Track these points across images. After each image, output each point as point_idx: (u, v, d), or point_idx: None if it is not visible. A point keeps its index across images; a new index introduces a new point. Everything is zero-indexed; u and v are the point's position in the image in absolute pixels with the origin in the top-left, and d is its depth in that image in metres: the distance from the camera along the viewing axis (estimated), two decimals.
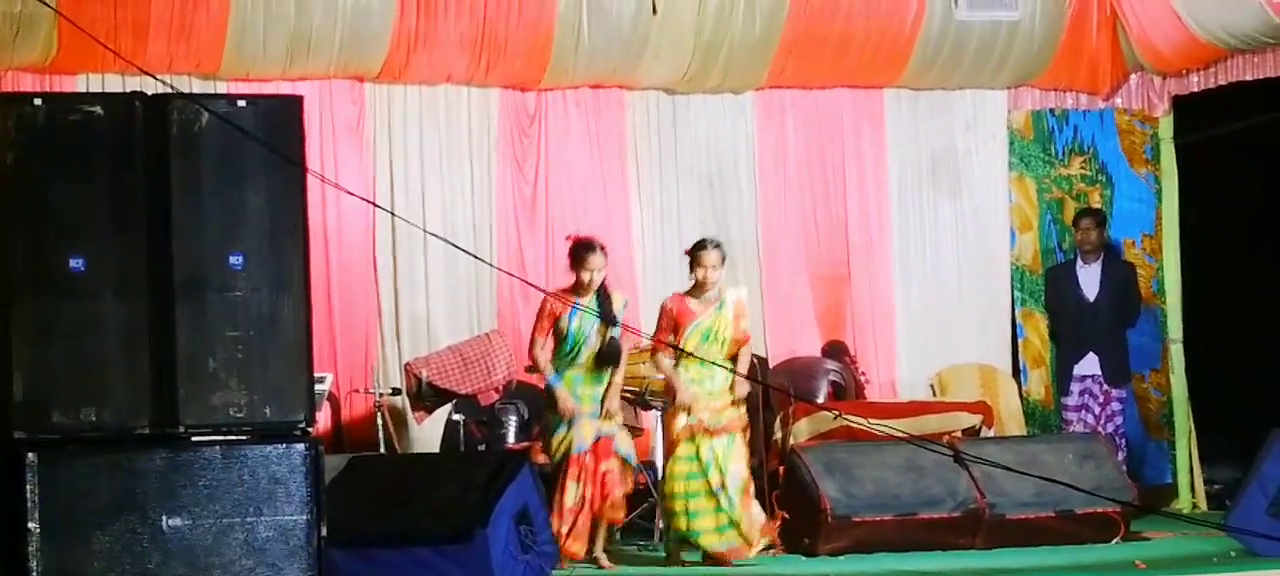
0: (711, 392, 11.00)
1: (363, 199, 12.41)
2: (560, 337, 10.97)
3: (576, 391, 10.94)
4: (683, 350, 10.93)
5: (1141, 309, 13.73)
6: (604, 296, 10.96)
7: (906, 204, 14.22)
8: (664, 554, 11.21)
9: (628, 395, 11.68)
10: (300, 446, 8.85)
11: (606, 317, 10.88)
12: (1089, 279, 13.50)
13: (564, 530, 10.59)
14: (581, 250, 10.98)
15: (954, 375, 14.00)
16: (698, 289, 11.09)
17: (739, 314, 11.14)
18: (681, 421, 10.98)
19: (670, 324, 11.05)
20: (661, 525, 11.55)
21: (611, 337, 10.90)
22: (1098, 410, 13.36)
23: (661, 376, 11.70)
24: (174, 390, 8.73)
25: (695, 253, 11.13)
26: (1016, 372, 14.18)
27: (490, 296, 13.36)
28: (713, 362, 10.86)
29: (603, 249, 11.03)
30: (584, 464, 10.77)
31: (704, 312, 11.04)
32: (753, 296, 13.55)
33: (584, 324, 10.90)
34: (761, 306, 13.72)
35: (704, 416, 10.94)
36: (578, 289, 10.97)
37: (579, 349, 10.93)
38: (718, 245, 11.20)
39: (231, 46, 12.29)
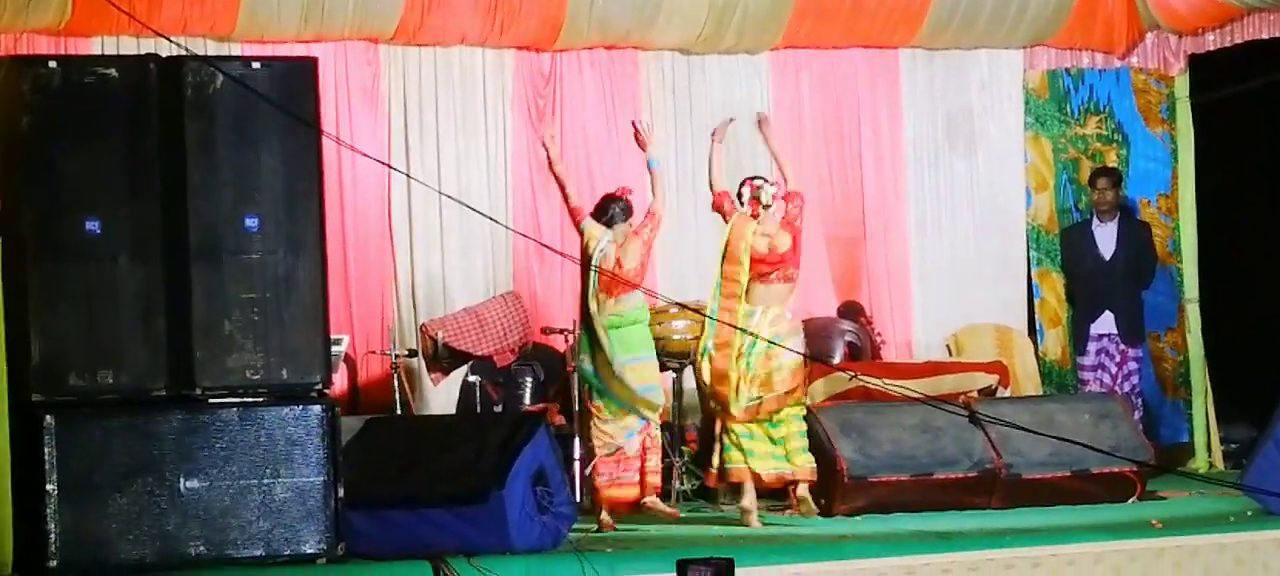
0: None
1: (378, 161, 12.41)
2: None
3: None
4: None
5: (1157, 268, 13.72)
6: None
7: (922, 164, 14.20)
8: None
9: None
10: (317, 408, 8.90)
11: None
12: (1105, 238, 13.49)
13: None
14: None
15: (970, 335, 14.00)
16: None
17: None
18: None
19: None
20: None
21: None
22: (1114, 369, 13.36)
23: (678, 338, 11.73)
24: (190, 352, 8.77)
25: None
26: (1032, 332, 14.17)
27: (506, 258, 13.36)
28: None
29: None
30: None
31: None
32: None
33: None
34: None
35: None
36: None
37: None
38: None
39: (246, 8, 12.27)
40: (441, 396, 12.81)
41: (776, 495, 11.34)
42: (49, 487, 8.51)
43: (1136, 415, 12.92)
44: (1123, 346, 13.38)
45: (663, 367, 11.91)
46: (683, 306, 11.58)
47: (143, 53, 10.53)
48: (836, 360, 12.86)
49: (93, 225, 8.69)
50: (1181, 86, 14.17)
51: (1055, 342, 14.10)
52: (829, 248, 13.98)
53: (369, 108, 13.08)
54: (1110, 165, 13.95)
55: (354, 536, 9.12)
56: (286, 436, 8.83)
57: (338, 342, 11.68)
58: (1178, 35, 14.05)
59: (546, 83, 13.47)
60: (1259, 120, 13.75)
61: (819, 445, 11.33)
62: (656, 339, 11.62)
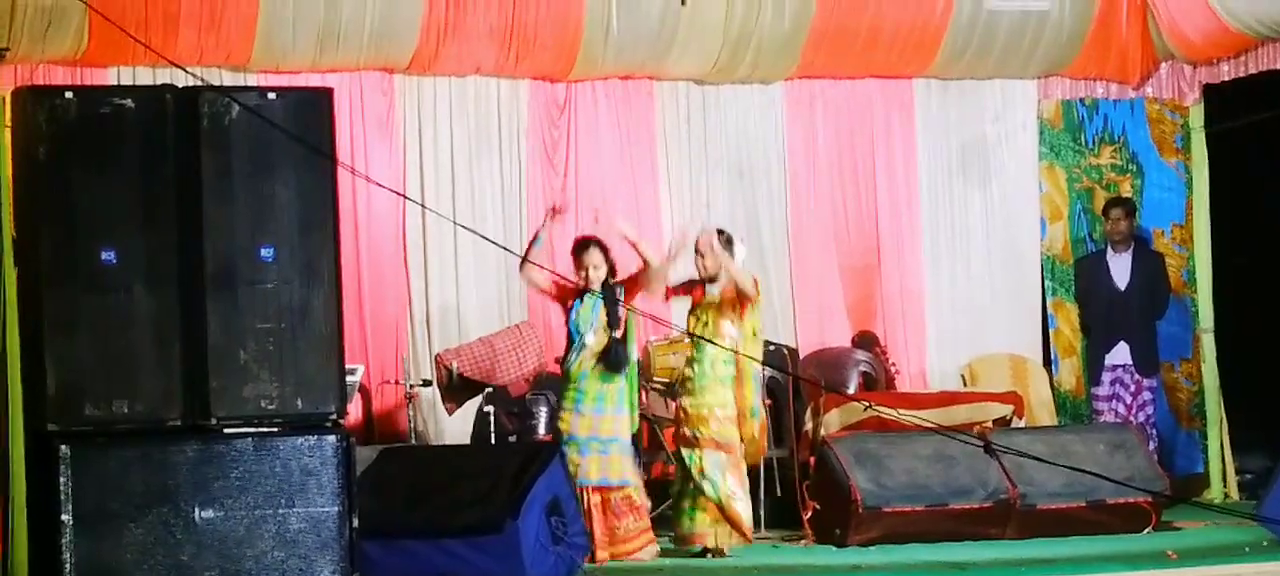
0: None
1: (393, 191, 12.43)
2: (569, 332, 11.06)
3: (582, 386, 10.95)
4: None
5: (1171, 299, 13.71)
6: (611, 297, 10.94)
7: (936, 194, 14.20)
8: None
9: (657, 387, 11.66)
10: (332, 438, 8.88)
11: (611, 316, 10.90)
12: (1120, 268, 13.48)
13: None
14: (577, 249, 11.05)
15: (984, 365, 13.98)
16: None
17: None
18: None
19: None
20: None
21: (613, 339, 10.89)
22: (1129, 400, 13.34)
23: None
24: (205, 382, 8.76)
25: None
26: (1047, 362, 14.15)
27: (520, 288, 13.34)
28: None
29: (601, 247, 11.04)
30: (590, 499, 10.80)
31: None
32: (782, 287, 13.59)
33: (580, 319, 10.95)
34: (791, 297, 13.72)
35: None
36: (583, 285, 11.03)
37: (581, 344, 10.98)
38: None
39: (261, 38, 12.30)
40: (456, 426, 12.81)
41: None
42: (64, 518, 8.50)
43: (1151, 445, 12.90)
44: (1137, 376, 13.37)
45: (675, 396, 11.97)
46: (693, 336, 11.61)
47: (158, 83, 10.52)
48: (851, 390, 12.85)
49: (108, 255, 8.68)
50: (1196, 116, 14.17)
51: (1070, 372, 14.08)
52: (843, 277, 13.97)
53: (384, 137, 13.10)
54: (1124, 195, 13.94)
55: (369, 566, 9.13)
56: (301, 466, 8.82)
57: (352, 372, 11.68)
58: (1192, 65, 14.05)
59: (561, 113, 13.49)
60: (1274, 150, 13.72)
61: (833, 475, 11.33)
62: (671, 369, 11.76)
